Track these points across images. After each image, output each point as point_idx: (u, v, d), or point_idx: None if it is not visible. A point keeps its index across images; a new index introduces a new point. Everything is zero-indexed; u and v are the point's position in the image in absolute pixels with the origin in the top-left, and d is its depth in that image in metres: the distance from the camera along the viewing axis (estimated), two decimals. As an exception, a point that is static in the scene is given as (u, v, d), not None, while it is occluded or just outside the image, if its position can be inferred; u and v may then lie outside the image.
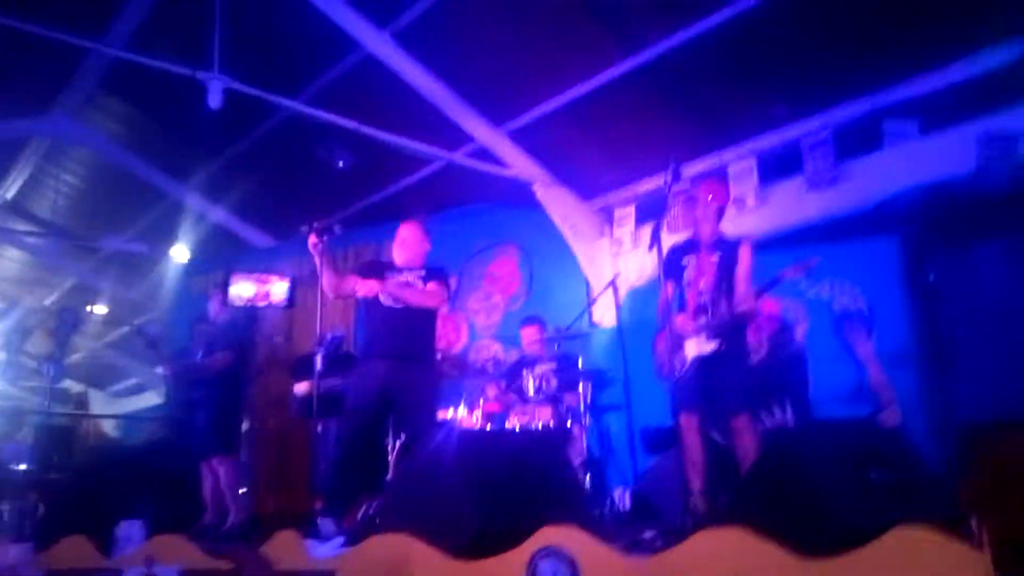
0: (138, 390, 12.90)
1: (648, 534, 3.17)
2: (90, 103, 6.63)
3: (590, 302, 5.79)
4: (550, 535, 2.55)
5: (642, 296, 5.85)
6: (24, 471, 5.96)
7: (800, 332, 5.18)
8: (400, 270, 4.09)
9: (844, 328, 5.16)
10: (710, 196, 4.00)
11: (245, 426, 6.34)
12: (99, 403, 13.31)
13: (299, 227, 3.87)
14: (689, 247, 4.04)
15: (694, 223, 4.00)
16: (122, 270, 9.62)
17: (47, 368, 6.47)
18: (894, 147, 4.61)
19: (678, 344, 3.96)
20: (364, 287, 3.90)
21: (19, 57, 5.78)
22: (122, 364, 12.32)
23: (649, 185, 5.84)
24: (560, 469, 3.34)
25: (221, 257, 7.95)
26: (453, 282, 4.17)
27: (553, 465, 3.29)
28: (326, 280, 3.95)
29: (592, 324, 5.82)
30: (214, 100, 4.19)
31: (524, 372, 5.45)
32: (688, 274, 3.97)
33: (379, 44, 4.97)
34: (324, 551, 2.94)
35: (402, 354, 3.89)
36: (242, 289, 5.66)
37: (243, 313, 5.87)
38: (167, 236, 7.84)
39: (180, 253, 8.02)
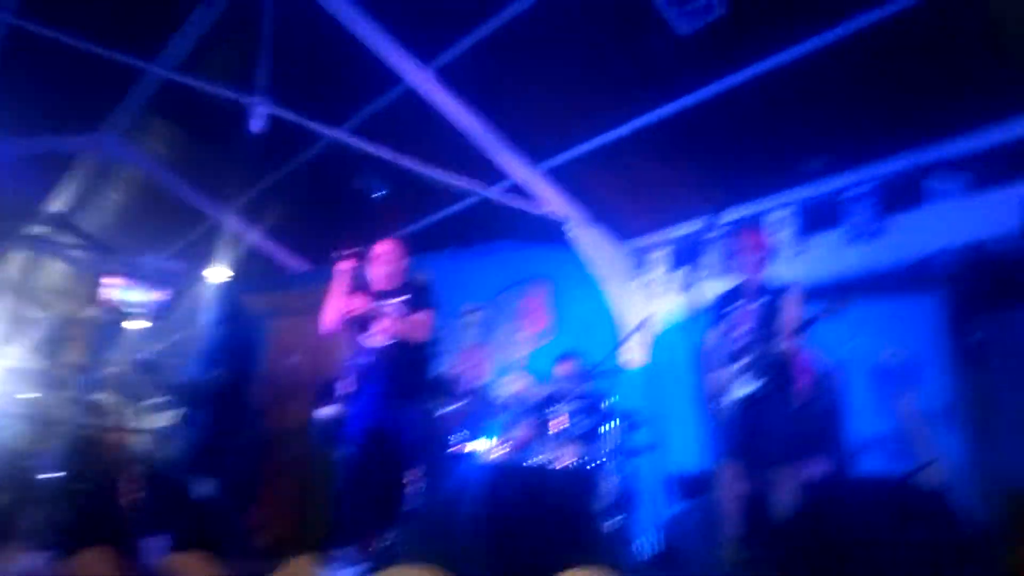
0: (168, 406, 12.98)
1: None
2: (138, 124, 6.81)
3: (620, 342, 5.74)
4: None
5: (672, 339, 5.80)
6: (51, 480, 5.99)
7: (835, 385, 5.08)
8: (382, 294, 4.00)
9: (882, 383, 5.06)
10: (753, 245, 4.04)
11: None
12: (131, 417, 13.39)
13: (331, 251, 3.90)
14: (734, 295, 4.10)
15: (739, 270, 4.06)
16: (160, 287, 9.77)
17: (79, 379, 6.55)
18: (937, 204, 4.54)
19: (722, 387, 3.94)
20: (353, 303, 3.83)
21: (74, 75, 5.98)
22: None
23: (684, 230, 5.83)
24: (587, 509, 3.29)
25: (257, 279, 8.05)
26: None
27: (580, 504, 3.24)
28: (326, 307, 3.93)
29: (619, 364, 5.76)
30: (256, 124, 4.28)
31: (553, 408, 5.40)
32: (732, 319, 4.03)
33: (421, 79, 5.06)
34: (343, 580, 2.90)
35: (392, 391, 3.82)
36: (112, 292, 5.33)
37: (241, 332, 5.80)
38: (205, 256, 7.97)
39: (217, 273, 8.13)
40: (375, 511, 3.99)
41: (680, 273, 5.85)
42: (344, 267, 3.87)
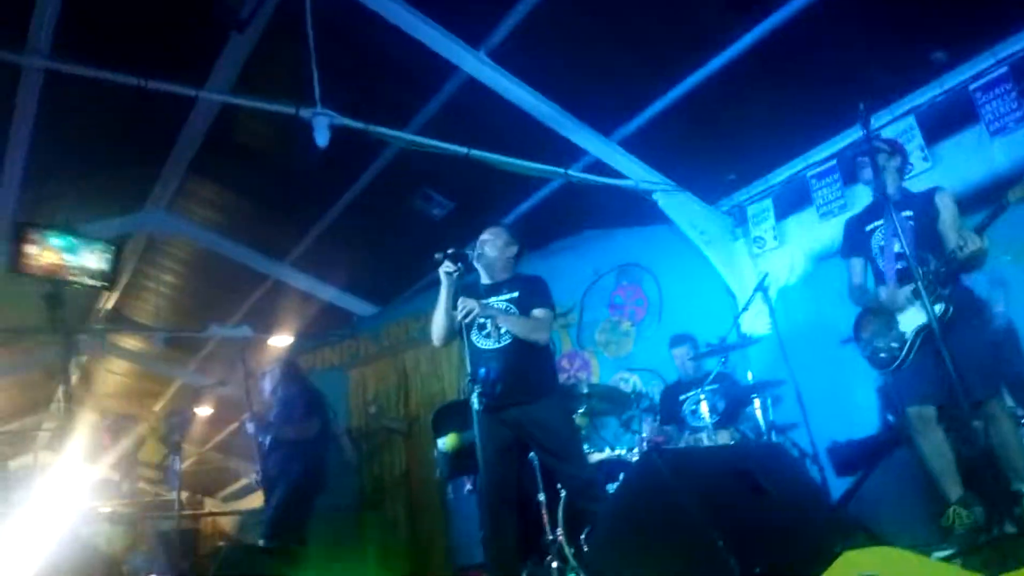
0: (247, 491, 12.67)
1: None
2: (182, 190, 6.51)
3: (739, 312, 5.14)
4: (858, 562, 1.90)
5: (796, 296, 5.19)
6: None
7: (1001, 305, 4.38)
8: (490, 288, 3.53)
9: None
10: (889, 148, 3.44)
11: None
12: (211, 508, 13.11)
13: (434, 256, 3.41)
14: (872, 212, 3.47)
15: (874, 183, 3.37)
16: (224, 365, 9.47)
17: (164, 475, 6.22)
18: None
19: (889, 323, 3.33)
20: (464, 306, 3.30)
21: (111, 155, 5.73)
22: (232, 466, 12.12)
23: (784, 173, 5.24)
24: (804, 480, 2.67)
25: (327, 331, 7.68)
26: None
27: (794, 477, 2.62)
28: (435, 317, 3.45)
29: (743, 336, 5.14)
30: (321, 137, 3.87)
31: (682, 398, 4.83)
32: (878, 240, 3.38)
33: (474, 64, 4.62)
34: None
35: (518, 399, 3.30)
36: (35, 253, 4.30)
37: (310, 388, 5.48)
38: (269, 319, 7.62)
39: (281, 340, 7.77)
40: (519, 543, 3.46)
41: (788, 223, 5.27)
42: (447, 269, 3.37)
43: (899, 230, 3.09)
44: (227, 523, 9.38)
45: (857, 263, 3.51)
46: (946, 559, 2.33)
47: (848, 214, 3.97)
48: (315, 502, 5.15)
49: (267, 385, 5.50)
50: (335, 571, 4.67)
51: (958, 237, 3.12)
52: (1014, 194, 3.09)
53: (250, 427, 5.26)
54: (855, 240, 3.52)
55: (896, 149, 3.52)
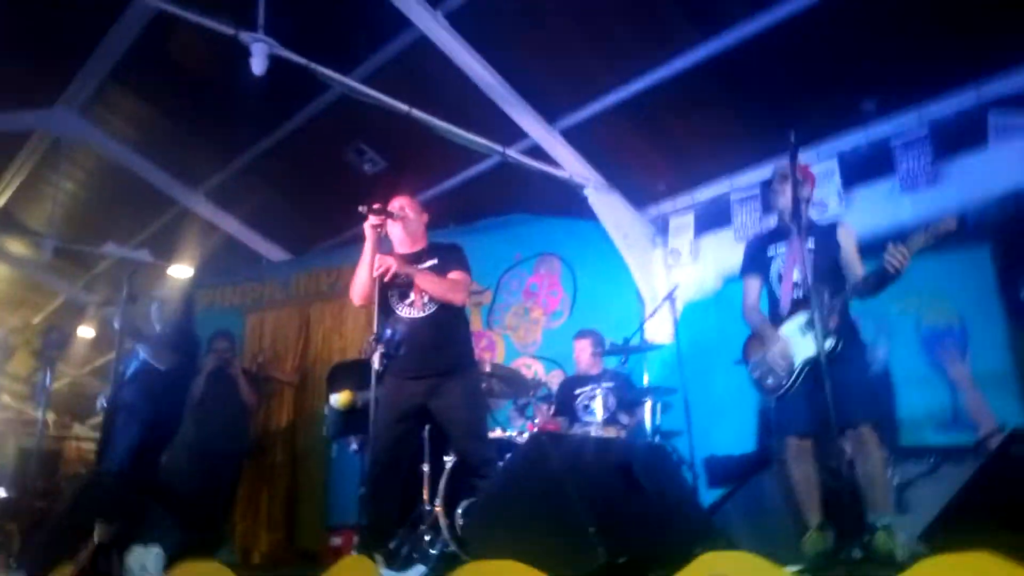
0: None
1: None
2: (99, 96, 6.12)
3: (645, 317, 5.27)
4: (716, 563, 1.99)
5: (701, 311, 5.36)
6: (4, 499, 5.27)
7: (883, 351, 4.69)
8: (408, 258, 3.44)
9: (935, 347, 4.68)
10: (800, 175, 3.33)
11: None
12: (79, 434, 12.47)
13: (359, 207, 3.32)
14: (776, 235, 3.49)
15: (780, 209, 3.43)
16: (116, 288, 8.98)
17: (31, 391, 5.89)
18: (1001, 143, 4.19)
19: (780, 350, 3.42)
20: (382, 263, 3.24)
21: (28, 41, 5.31)
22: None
23: (710, 192, 5.40)
24: (679, 481, 2.77)
25: (229, 269, 7.39)
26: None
27: (669, 477, 2.72)
28: (358, 274, 3.36)
29: (645, 341, 5.29)
30: (258, 65, 3.69)
31: (577, 391, 4.91)
32: (778, 266, 3.42)
33: (431, 24, 4.53)
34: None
35: (437, 370, 3.27)
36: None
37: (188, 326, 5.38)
38: (172, 247, 7.27)
39: (181, 271, 7.43)
40: (399, 509, 3.45)
41: (706, 240, 5.44)
42: (374, 225, 3.28)
43: (802, 259, 3.13)
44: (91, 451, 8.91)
45: (754, 283, 3.50)
46: (797, 573, 2.47)
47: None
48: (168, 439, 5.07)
49: (153, 313, 5.29)
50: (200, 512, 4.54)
51: (854, 276, 3.24)
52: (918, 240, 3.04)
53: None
54: (755, 260, 3.52)
55: (811, 181, 3.54)
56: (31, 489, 5.47)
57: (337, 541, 5.30)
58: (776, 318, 3.40)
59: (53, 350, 6.68)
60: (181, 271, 7.29)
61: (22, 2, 4.79)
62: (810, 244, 3.30)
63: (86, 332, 9.24)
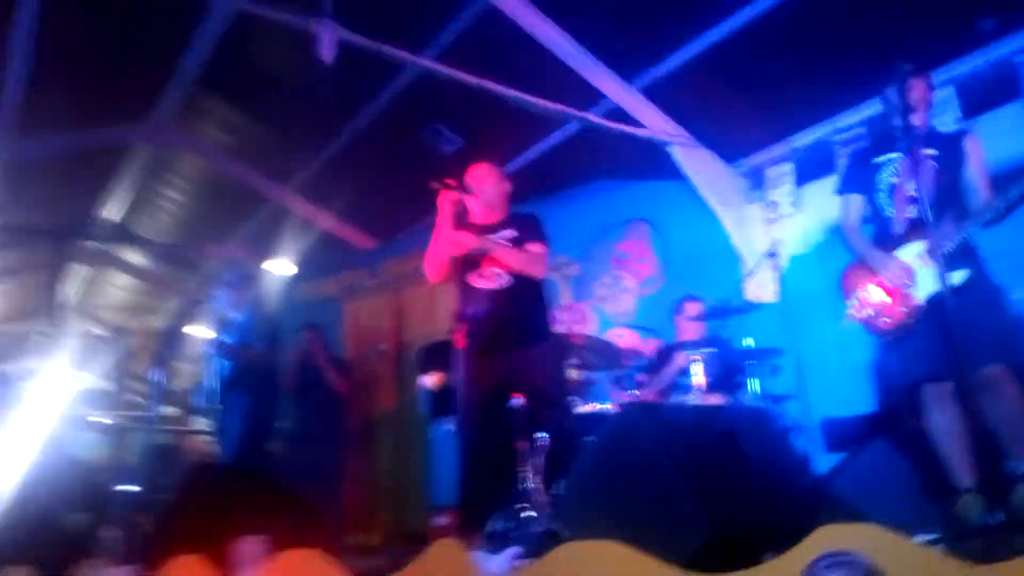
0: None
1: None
2: (189, 105, 6.32)
3: (745, 276, 4.97)
4: (835, 537, 1.78)
5: (808, 265, 5.00)
6: (129, 493, 5.59)
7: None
8: (486, 229, 3.35)
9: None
10: (924, 85, 2.93)
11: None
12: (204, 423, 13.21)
13: (433, 185, 3.25)
14: (885, 143, 2.96)
15: (892, 112, 2.81)
16: (217, 286, 9.39)
17: (151, 391, 6.21)
18: None
19: (898, 280, 2.86)
20: (460, 241, 3.20)
21: (113, 61, 5.52)
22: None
23: (807, 138, 5.01)
24: (790, 452, 2.55)
25: (325, 261, 7.55)
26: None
27: (781, 448, 2.50)
28: (433, 251, 3.29)
29: (747, 301, 4.99)
30: (327, 52, 3.66)
31: (678, 359, 4.70)
32: (888, 176, 2.90)
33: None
34: (498, 564, 2.25)
35: (516, 343, 3.18)
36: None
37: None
38: (271, 244, 7.50)
39: (282, 267, 7.67)
40: (494, 490, 3.38)
41: (807, 189, 5.06)
42: (448, 199, 3.21)
43: (917, 169, 2.61)
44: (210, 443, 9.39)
45: (855, 200, 3.00)
46: (930, 543, 2.21)
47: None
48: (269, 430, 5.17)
49: (241, 306, 5.43)
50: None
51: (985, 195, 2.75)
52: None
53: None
54: (857, 174, 3.01)
55: (931, 92, 3.00)
56: (158, 484, 5.77)
57: (443, 521, 5.32)
58: (886, 240, 2.90)
59: (167, 350, 7.05)
60: (278, 266, 7.55)
61: (104, 23, 4.95)
62: (931, 151, 2.81)
63: (198, 331, 9.74)
